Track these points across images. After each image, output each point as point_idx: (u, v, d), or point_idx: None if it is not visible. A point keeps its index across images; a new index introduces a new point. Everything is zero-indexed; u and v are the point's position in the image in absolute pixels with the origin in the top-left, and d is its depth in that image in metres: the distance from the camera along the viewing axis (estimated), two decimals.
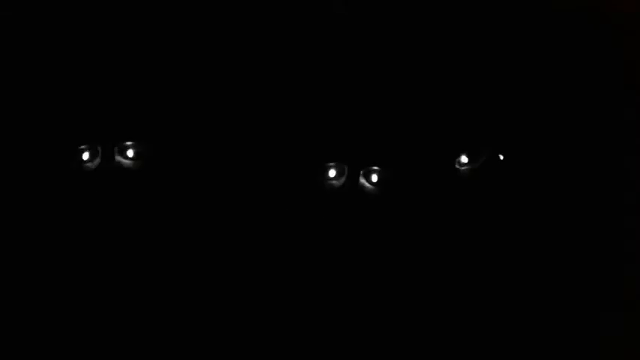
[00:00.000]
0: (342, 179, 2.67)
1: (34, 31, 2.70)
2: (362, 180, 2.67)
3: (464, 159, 2.72)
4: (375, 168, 2.67)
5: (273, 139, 2.70)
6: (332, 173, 2.67)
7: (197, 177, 2.67)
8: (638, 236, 2.75)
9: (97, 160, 2.60)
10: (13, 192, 2.62)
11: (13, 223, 2.61)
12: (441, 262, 2.69)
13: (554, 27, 2.85)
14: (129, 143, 2.62)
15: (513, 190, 2.76)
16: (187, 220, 2.65)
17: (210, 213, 2.66)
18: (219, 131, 2.69)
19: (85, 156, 2.60)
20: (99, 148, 2.60)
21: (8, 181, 2.62)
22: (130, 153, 2.62)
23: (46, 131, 2.62)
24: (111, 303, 2.59)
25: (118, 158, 2.61)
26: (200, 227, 2.65)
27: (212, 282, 2.62)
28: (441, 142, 2.72)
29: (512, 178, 2.76)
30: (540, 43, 2.84)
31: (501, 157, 2.74)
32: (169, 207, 2.65)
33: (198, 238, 2.64)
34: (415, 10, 2.82)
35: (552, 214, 2.75)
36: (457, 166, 2.72)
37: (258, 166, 2.68)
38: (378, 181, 2.66)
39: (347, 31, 2.79)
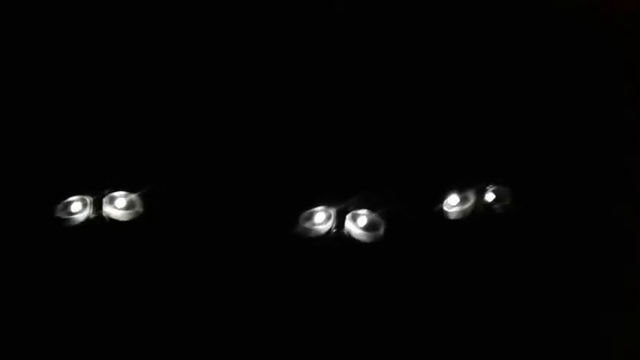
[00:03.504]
0: (329, 224, 2.65)
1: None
2: (348, 224, 2.65)
3: (452, 200, 2.69)
4: (363, 211, 2.65)
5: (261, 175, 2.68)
6: (319, 218, 2.64)
7: (187, 225, 2.64)
8: (638, 236, 2.75)
9: (87, 212, 2.59)
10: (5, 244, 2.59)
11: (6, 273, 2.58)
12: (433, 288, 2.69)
13: (554, 27, 2.85)
14: (118, 193, 2.61)
15: (513, 188, 2.76)
16: (177, 268, 2.61)
17: (199, 262, 2.62)
18: (205, 172, 2.67)
19: (75, 207, 2.58)
20: (88, 199, 2.59)
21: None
22: (120, 203, 2.61)
23: (34, 182, 2.61)
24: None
25: (107, 209, 2.60)
26: (189, 276, 2.61)
27: (203, 331, 2.59)
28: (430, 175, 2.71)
29: (512, 176, 2.76)
30: (540, 43, 2.84)
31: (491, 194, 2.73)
32: (160, 257, 2.62)
33: (187, 288, 2.61)
34: (415, 10, 2.83)
35: (552, 214, 2.76)
36: (445, 208, 2.70)
37: (246, 210, 2.65)
38: (365, 225, 2.65)
39: (347, 31, 2.79)
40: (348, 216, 2.64)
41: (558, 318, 2.67)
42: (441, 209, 2.67)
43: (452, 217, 2.68)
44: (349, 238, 2.64)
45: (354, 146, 2.70)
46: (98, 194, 2.59)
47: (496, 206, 2.71)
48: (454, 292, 2.65)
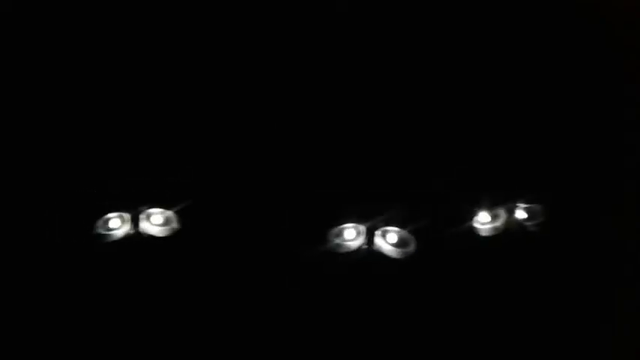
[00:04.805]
0: (359, 240, 2.63)
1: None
2: (378, 241, 2.64)
3: (483, 218, 2.69)
4: (393, 228, 2.64)
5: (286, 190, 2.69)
6: (349, 234, 2.64)
7: (221, 241, 2.64)
8: (638, 236, 2.76)
9: (125, 228, 2.62)
10: (40, 260, 2.60)
11: (39, 289, 2.59)
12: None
13: (553, 27, 2.85)
14: (155, 210, 2.63)
15: (514, 187, 2.76)
16: (212, 284, 2.62)
17: (233, 276, 2.63)
18: (238, 189, 2.68)
19: (114, 223, 2.62)
20: (125, 216, 2.62)
21: (35, 250, 2.61)
22: (157, 220, 2.63)
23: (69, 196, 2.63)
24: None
25: (144, 225, 2.62)
26: (224, 291, 2.62)
27: (238, 342, 2.60)
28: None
29: (512, 178, 2.76)
30: (540, 43, 2.84)
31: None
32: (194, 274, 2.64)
33: (222, 303, 2.61)
34: (414, 10, 2.82)
35: (552, 214, 2.76)
36: (476, 225, 2.69)
37: (279, 226, 2.65)
38: (395, 242, 2.64)
39: (350, 29, 2.78)
40: (378, 232, 2.63)
41: (558, 318, 2.67)
42: (472, 226, 2.68)
43: (482, 234, 2.68)
44: (379, 255, 2.63)
45: (385, 163, 2.70)
46: (135, 211, 2.62)
47: (528, 223, 2.71)
48: (483, 308, 2.65)
